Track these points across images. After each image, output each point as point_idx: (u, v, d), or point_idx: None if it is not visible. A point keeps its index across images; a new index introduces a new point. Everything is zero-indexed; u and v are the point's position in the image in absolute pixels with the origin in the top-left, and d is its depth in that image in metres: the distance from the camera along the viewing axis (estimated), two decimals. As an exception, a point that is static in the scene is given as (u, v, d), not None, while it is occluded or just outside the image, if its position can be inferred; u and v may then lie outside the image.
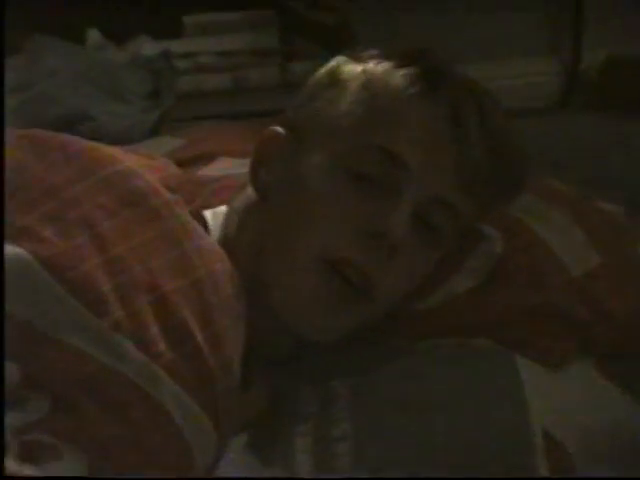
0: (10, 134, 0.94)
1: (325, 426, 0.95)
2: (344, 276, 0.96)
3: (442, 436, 0.92)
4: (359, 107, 1.00)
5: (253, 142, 1.06)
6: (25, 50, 1.79)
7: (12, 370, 0.79)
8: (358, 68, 1.03)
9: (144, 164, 0.95)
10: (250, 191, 1.04)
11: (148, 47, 1.84)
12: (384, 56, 1.03)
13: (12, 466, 0.75)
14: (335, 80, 1.03)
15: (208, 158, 1.34)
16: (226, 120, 1.57)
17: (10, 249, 0.82)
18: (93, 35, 1.88)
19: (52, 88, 1.67)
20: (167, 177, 0.96)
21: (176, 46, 1.95)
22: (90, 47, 1.84)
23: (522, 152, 1.05)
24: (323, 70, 1.06)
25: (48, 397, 0.80)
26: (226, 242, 1.00)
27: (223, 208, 1.07)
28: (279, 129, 1.04)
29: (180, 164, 1.26)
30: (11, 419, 0.77)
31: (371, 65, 1.02)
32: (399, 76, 1.01)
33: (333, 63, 1.05)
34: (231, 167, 1.28)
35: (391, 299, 1.00)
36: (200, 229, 0.93)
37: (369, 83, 1.01)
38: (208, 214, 1.03)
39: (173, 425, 0.84)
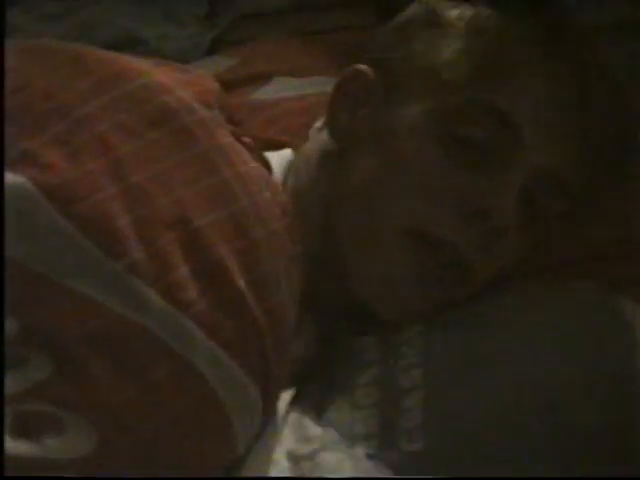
0: (11, 47, 0.78)
1: (391, 375, 0.81)
2: (437, 256, 0.83)
3: (528, 387, 0.78)
4: (467, 56, 0.85)
5: (316, 58, 0.93)
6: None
7: (8, 323, 0.65)
8: (467, 11, 0.87)
9: (177, 78, 0.79)
10: (326, 136, 0.90)
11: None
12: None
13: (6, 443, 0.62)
14: (436, 20, 0.88)
15: (263, 78, 1.19)
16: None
17: (9, 177, 0.67)
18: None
19: (99, 12, 1.56)
20: (204, 92, 0.80)
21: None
22: (142, -32, 1.73)
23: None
24: (419, 5, 0.91)
25: (50, 356, 0.65)
26: (292, 193, 0.87)
27: (288, 152, 0.94)
28: (366, 68, 0.90)
29: (232, 86, 1.14)
30: (6, 384, 0.63)
31: (482, 8, 0.87)
32: (519, 25, 0.86)
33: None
34: (289, 88, 1.14)
35: (485, 281, 0.86)
36: (245, 153, 0.77)
37: (481, 29, 0.86)
38: (271, 156, 0.89)
39: (207, 389, 0.69)
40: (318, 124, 0.95)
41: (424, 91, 0.86)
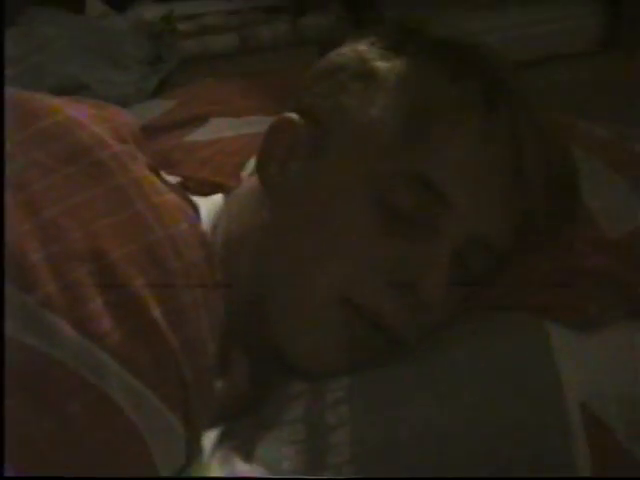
0: None
1: (318, 411, 0.81)
2: (364, 322, 0.83)
3: (459, 419, 0.78)
4: (395, 116, 0.84)
5: (254, 98, 0.93)
6: (21, 22, 1.70)
7: None
8: (397, 61, 0.86)
9: (90, 114, 0.79)
10: (256, 182, 0.90)
11: (150, 11, 1.73)
12: (427, 45, 0.87)
13: None
14: (367, 71, 0.87)
15: (200, 119, 1.19)
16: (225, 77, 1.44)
17: None
18: (93, 3, 1.78)
19: (46, 58, 1.58)
20: (118, 127, 0.79)
21: (180, 8, 1.81)
22: (90, 16, 1.75)
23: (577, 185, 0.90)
24: (351, 52, 0.89)
25: None
26: (223, 240, 0.87)
27: (219, 197, 0.93)
28: (296, 117, 0.89)
29: (168, 128, 1.15)
30: None
31: (412, 60, 0.86)
32: (454, 86, 0.85)
33: (364, 47, 0.89)
34: (226, 128, 1.14)
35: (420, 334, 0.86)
36: (160, 185, 0.77)
37: (410, 85, 0.85)
38: (201, 202, 0.88)
39: (123, 420, 0.69)
40: (250, 165, 0.95)
41: (354, 150, 0.85)
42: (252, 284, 0.85)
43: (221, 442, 0.81)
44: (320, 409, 0.81)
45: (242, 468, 0.79)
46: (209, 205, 0.90)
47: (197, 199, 0.88)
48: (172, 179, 0.92)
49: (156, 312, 0.71)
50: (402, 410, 0.79)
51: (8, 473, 0.65)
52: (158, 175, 0.79)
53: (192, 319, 0.73)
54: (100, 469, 0.69)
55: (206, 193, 0.94)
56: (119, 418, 0.69)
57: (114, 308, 0.70)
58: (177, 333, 0.72)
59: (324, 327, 0.83)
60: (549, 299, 0.87)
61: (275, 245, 0.86)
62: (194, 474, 0.78)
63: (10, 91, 0.79)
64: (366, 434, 0.78)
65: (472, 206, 0.83)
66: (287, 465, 0.78)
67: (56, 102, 0.78)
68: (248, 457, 0.79)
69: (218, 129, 1.16)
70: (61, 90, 1.47)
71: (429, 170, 0.82)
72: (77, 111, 0.78)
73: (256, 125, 1.12)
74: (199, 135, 1.16)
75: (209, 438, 0.80)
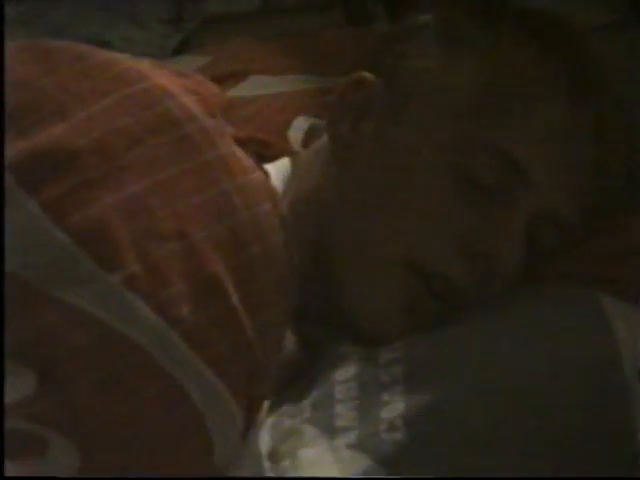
0: (11, 46, 0.75)
1: (371, 371, 0.81)
2: (430, 288, 0.82)
3: (513, 382, 0.78)
4: (479, 84, 0.84)
5: (290, 57, 0.91)
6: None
7: None
8: (485, 29, 0.85)
9: (179, 83, 0.77)
10: (324, 144, 0.88)
11: (172, -32, 1.70)
12: (515, 16, 0.85)
13: None
14: (454, 35, 0.86)
15: (239, 76, 1.17)
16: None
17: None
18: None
19: (64, 16, 1.55)
20: (208, 98, 0.77)
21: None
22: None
23: None
24: (438, 15, 0.88)
25: (36, 371, 0.63)
26: (290, 205, 0.85)
27: (286, 161, 0.92)
28: (371, 77, 0.87)
29: (208, 84, 1.13)
30: None
31: (501, 29, 0.84)
32: (539, 58, 0.84)
33: (450, 12, 0.87)
34: (265, 86, 1.13)
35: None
36: (246, 162, 0.75)
37: (498, 55, 0.84)
38: (269, 167, 0.86)
39: (192, 410, 0.68)
40: (296, 126, 0.94)
41: (433, 116, 0.84)
42: (317, 245, 0.84)
43: (272, 408, 0.81)
44: (373, 368, 0.81)
45: (292, 429, 0.79)
46: (277, 171, 0.89)
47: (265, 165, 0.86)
48: None
49: (234, 298, 0.70)
50: (456, 370, 0.80)
51: None
52: (246, 147, 0.77)
53: (270, 305, 0.73)
54: (161, 457, 0.68)
55: (259, 153, 0.93)
56: (188, 407, 0.68)
57: (194, 292, 0.68)
58: (254, 321, 0.71)
59: (390, 290, 0.83)
60: (603, 271, 0.87)
61: (343, 206, 0.85)
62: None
63: (94, 51, 0.76)
64: (420, 390, 0.79)
65: (550, 184, 0.83)
66: (338, 422, 0.79)
67: (144, 67, 0.76)
68: (299, 418, 0.79)
69: (258, 86, 1.15)
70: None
71: (510, 145, 0.82)
72: (166, 79, 0.76)
73: (293, 83, 1.11)
74: (238, 91, 1.15)
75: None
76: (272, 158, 0.93)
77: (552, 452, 0.75)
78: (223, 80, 1.16)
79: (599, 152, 0.85)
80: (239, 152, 0.75)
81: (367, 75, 0.88)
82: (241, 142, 0.94)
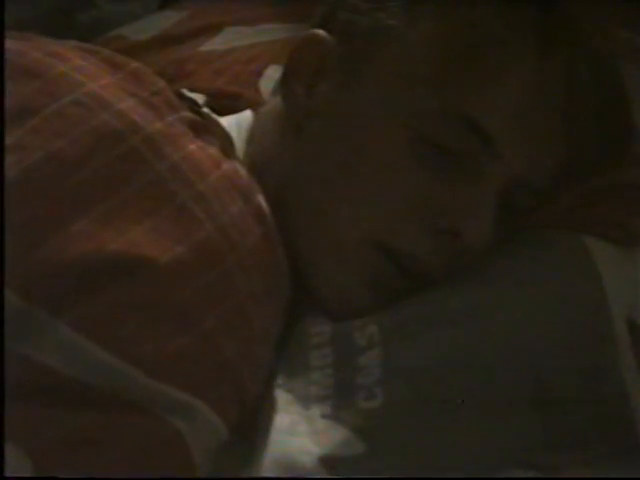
0: None
1: (346, 334, 0.77)
2: (396, 266, 0.77)
3: (497, 334, 0.74)
4: (443, 46, 0.76)
5: (266, 7, 0.86)
6: None
7: None
8: None
9: (114, 82, 0.70)
10: (280, 104, 0.82)
11: None
12: None
13: None
14: None
15: (214, 29, 1.12)
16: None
17: None
18: None
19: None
20: (149, 99, 0.70)
21: None
22: None
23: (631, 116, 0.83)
24: None
25: None
26: (249, 166, 0.78)
27: (248, 115, 0.86)
28: (325, 35, 0.80)
29: (182, 39, 1.10)
30: None
31: None
32: (504, 17, 0.76)
33: None
34: (240, 38, 1.09)
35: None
36: (212, 157, 0.69)
37: (463, 20, 0.77)
38: (228, 122, 0.81)
39: (180, 441, 0.64)
40: (267, 75, 0.89)
41: (393, 79, 0.77)
42: (278, 215, 0.76)
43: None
44: (348, 332, 0.77)
45: (267, 397, 0.75)
46: (239, 129, 0.83)
47: (226, 121, 0.81)
48: (197, 97, 0.86)
49: (209, 321, 0.65)
50: (436, 328, 0.75)
51: None
52: (197, 114, 0.71)
53: (254, 314, 0.68)
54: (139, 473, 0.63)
55: (227, 106, 0.88)
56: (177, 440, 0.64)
57: (157, 324, 0.63)
58: (235, 339, 0.66)
59: (356, 269, 0.78)
60: (589, 215, 0.82)
61: (302, 180, 0.79)
62: None
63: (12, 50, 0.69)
64: (397, 354, 0.75)
65: (520, 153, 0.77)
66: (314, 390, 0.75)
67: (74, 65, 0.69)
68: (274, 388, 0.75)
69: (233, 38, 1.11)
70: (64, 9, 1.41)
71: (476, 111, 0.75)
72: (99, 80, 0.69)
73: (272, 33, 1.08)
74: (214, 45, 1.10)
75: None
76: (242, 110, 0.88)
77: (538, 401, 0.71)
78: (199, 33, 1.13)
79: (569, 115, 0.78)
80: (198, 148, 0.69)
81: (319, 32, 0.81)
82: (211, 96, 0.90)
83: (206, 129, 0.72)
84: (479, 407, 0.71)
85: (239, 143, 0.81)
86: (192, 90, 0.92)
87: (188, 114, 0.72)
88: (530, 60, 0.77)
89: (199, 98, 0.87)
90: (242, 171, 0.72)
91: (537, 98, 0.77)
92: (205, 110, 0.81)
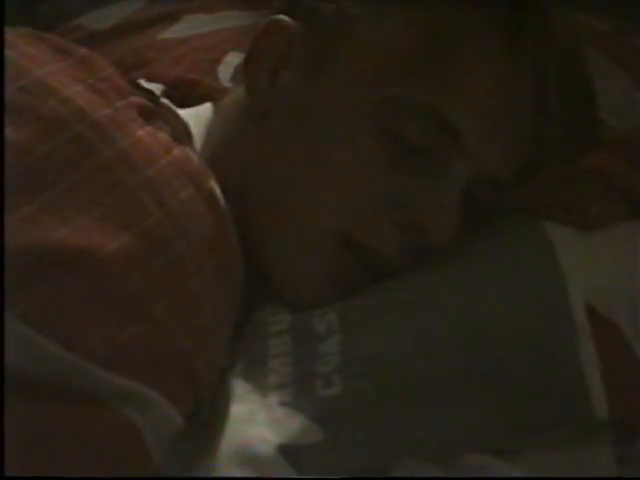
0: None
1: (305, 321, 0.76)
2: (359, 260, 0.76)
3: (454, 323, 0.73)
4: (410, 37, 0.75)
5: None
6: None
7: None
8: None
9: (61, 68, 0.68)
10: (243, 94, 0.81)
11: None
12: None
13: None
14: None
15: (172, 17, 1.11)
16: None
17: None
18: None
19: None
20: (96, 84, 0.68)
21: None
22: None
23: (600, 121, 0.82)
24: None
25: None
26: (209, 157, 0.76)
27: (207, 107, 0.84)
28: (289, 21, 0.78)
29: (140, 27, 1.09)
30: None
31: None
32: (471, 8, 0.75)
33: None
34: (199, 25, 1.08)
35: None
36: (162, 143, 0.67)
37: (431, 11, 0.75)
38: (187, 113, 0.80)
39: (137, 436, 0.63)
40: (227, 62, 0.88)
41: (358, 70, 0.76)
42: (239, 208, 0.75)
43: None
44: (307, 320, 0.76)
45: (224, 386, 0.73)
46: (197, 120, 0.82)
47: (185, 113, 0.80)
48: (154, 87, 0.85)
49: (157, 309, 0.63)
50: (396, 316, 0.75)
51: None
52: (154, 103, 0.70)
53: (204, 303, 0.67)
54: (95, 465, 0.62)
55: (186, 95, 0.87)
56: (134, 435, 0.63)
57: (105, 315, 0.61)
58: (186, 328, 0.65)
59: (315, 260, 0.77)
60: (548, 199, 0.82)
61: (265, 172, 0.78)
62: None
63: None
64: (356, 341, 0.74)
65: (487, 147, 0.76)
66: (273, 378, 0.74)
67: (20, 53, 0.68)
68: (232, 376, 0.74)
69: (191, 26, 1.10)
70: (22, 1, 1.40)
71: (444, 106, 0.74)
72: (45, 66, 0.67)
73: (231, 20, 1.07)
74: (172, 33, 1.09)
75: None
76: (201, 97, 0.87)
77: (497, 386, 0.70)
78: (157, 21, 1.12)
79: (538, 112, 0.78)
80: (147, 134, 0.67)
81: (283, 18, 0.79)
82: (170, 84, 0.88)
83: (157, 115, 0.71)
84: (437, 393, 0.70)
85: (198, 133, 0.80)
86: (151, 78, 0.91)
87: (138, 99, 0.71)
88: (499, 57, 0.76)
89: (157, 88, 0.86)
90: (194, 157, 0.71)
91: (506, 95, 0.76)
92: (163, 100, 0.80)
